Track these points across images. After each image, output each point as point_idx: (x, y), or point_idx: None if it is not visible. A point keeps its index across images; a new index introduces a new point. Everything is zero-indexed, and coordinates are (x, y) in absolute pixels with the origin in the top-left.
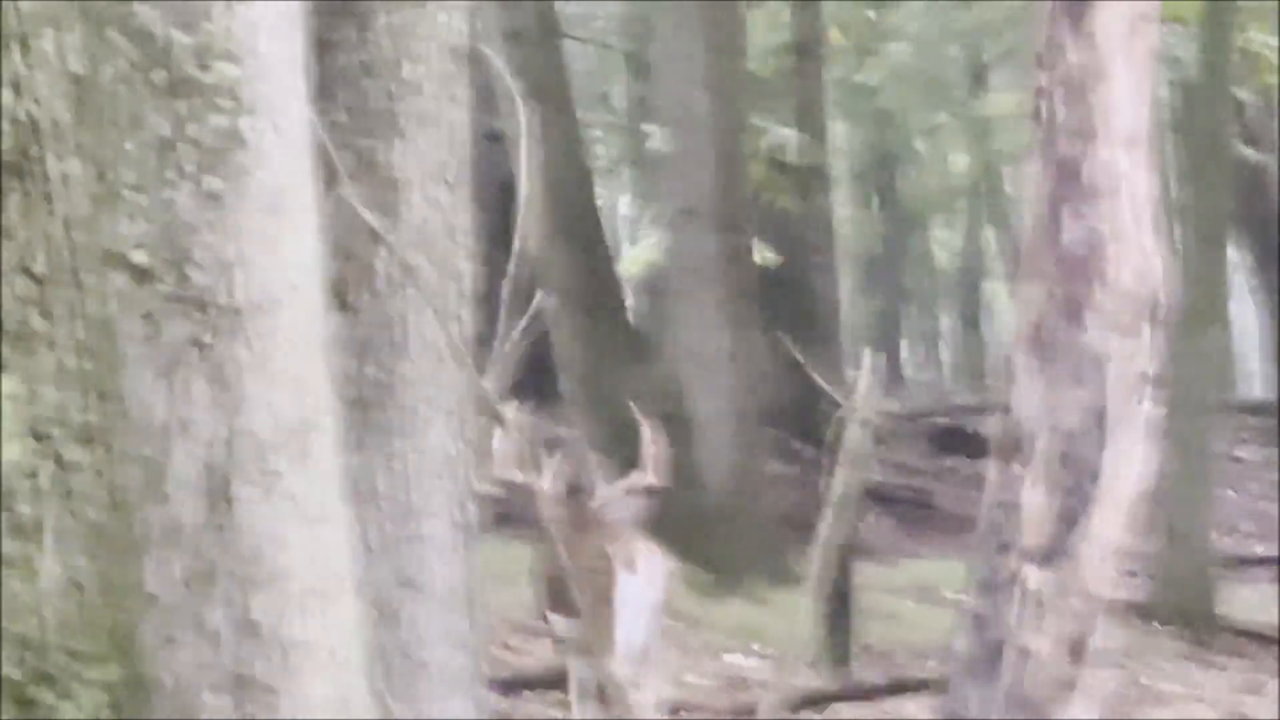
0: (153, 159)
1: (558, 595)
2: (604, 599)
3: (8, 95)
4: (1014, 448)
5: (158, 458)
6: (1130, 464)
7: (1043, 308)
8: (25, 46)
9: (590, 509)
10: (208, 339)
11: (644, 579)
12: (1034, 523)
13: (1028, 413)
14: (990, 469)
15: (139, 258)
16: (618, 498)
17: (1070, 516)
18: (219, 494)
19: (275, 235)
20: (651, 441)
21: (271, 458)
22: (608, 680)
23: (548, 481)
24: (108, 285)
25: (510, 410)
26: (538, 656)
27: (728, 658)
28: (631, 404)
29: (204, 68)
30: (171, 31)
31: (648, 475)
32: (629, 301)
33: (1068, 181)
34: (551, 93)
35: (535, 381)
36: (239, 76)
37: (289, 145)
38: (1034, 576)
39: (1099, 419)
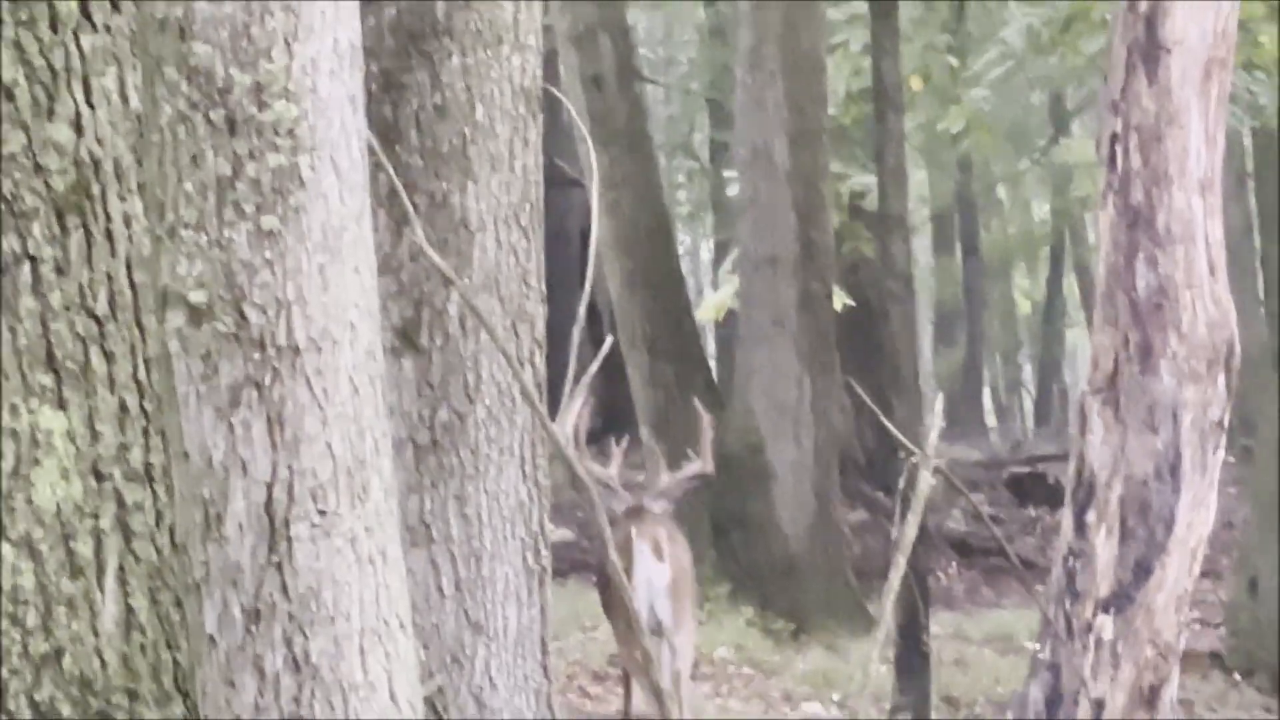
0: (211, 198)
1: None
2: (626, 580)
3: (68, 134)
4: (1087, 496)
5: (216, 498)
6: (1203, 512)
7: (1116, 355)
8: (86, 84)
9: (636, 500)
10: (265, 379)
11: (657, 560)
12: (1106, 571)
13: (1101, 461)
14: (1064, 517)
15: (197, 297)
16: (677, 484)
17: (1144, 565)
18: (277, 534)
19: (333, 275)
20: (707, 432)
21: (330, 498)
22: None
23: (614, 469)
24: (167, 325)
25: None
26: (612, 703)
27: (806, 706)
28: (694, 399)
29: (262, 106)
30: (230, 70)
31: (704, 464)
32: (708, 347)
33: (1141, 228)
34: (631, 138)
35: (614, 425)
36: (297, 115)
37: (347, 184)
38: (1107, 626)
39: (1173, 467)
